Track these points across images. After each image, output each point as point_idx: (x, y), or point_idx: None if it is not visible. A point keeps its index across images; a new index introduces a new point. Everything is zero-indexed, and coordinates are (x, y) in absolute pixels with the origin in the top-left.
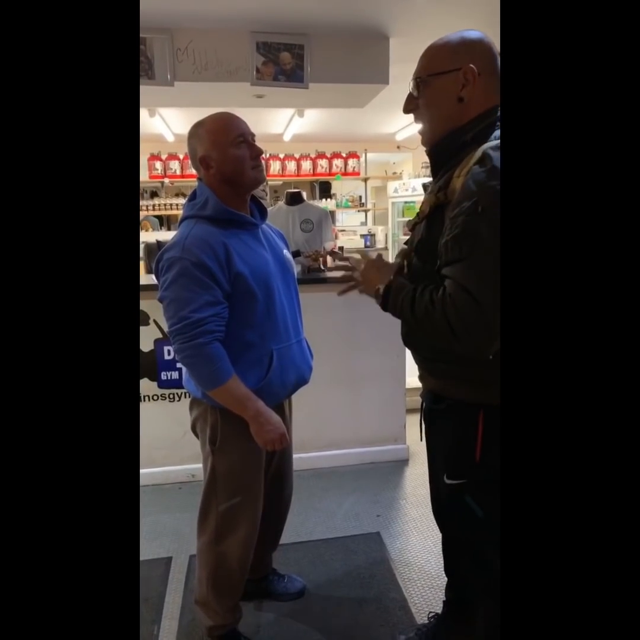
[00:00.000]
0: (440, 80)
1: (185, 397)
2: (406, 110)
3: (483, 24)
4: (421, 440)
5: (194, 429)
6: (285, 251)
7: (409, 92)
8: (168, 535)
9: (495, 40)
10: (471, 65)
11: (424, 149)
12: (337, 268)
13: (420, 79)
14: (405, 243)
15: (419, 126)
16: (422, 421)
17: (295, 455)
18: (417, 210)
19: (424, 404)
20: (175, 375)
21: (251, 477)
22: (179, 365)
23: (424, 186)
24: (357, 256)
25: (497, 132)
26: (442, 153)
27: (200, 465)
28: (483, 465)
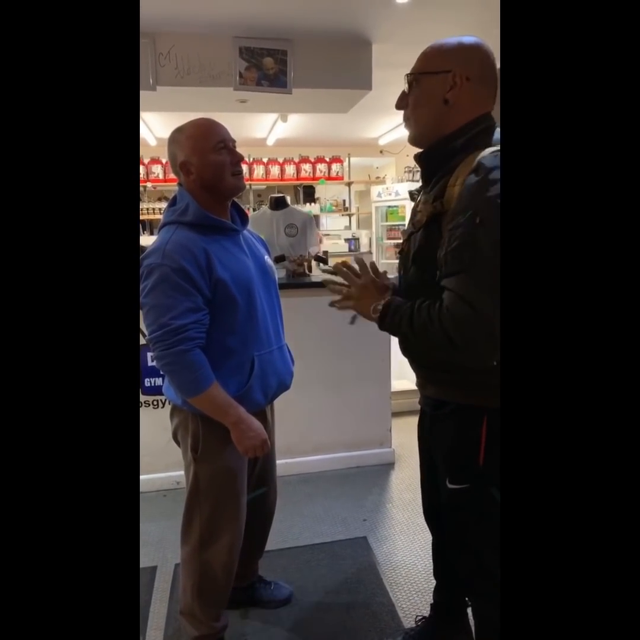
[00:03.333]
0: (430, 80)
1: (169, 403)
2: (397, 106)
3: (464, 29)
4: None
5: (175, 437)
6: (266, 257)
7: (403, 89)
8: (152, 544)
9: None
10: (460, 71)
11: (412, 155)
12: (333, 280)
13: (412, 76)
14: (399, 253)
15: (402, 131)
16: (419, 428)
17: (280, 461)
18: (400, 214)
19: (422, 412)
20: (159, 381)
21: (234, 484)
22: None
23: (411, 193)
24: (355, 265)
25: (492, 139)
26: (433, 160)
27: (183, 473)
28: (486, 469)
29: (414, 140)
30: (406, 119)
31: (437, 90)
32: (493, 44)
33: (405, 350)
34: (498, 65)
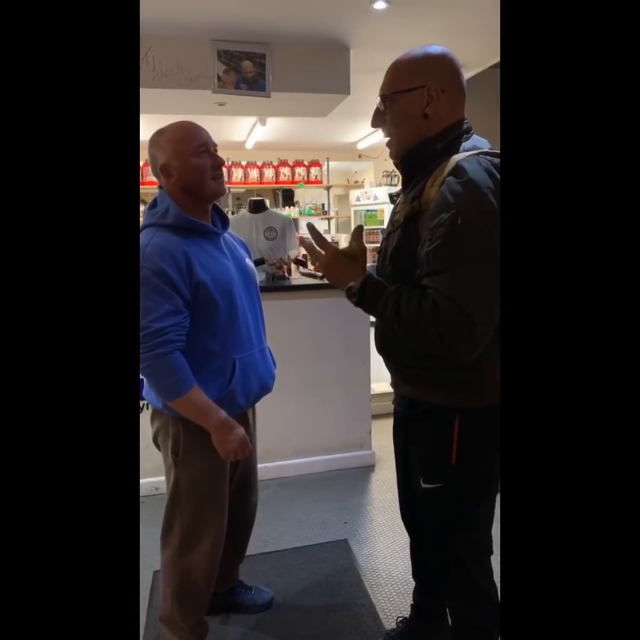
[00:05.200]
0: (405, 97)
1: (146, 408)
2: (374, 124)
3: (440, 34)
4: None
5: (155, 440)
6: (247, 260)
7: (376, 107)
8: None
9: (449, 48)
10: (435, 84)
11: (393, 160)
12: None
13: (386, 96)
14: (378, 252)
15: (380, 136)
16: (394, 429)
17: (260, 465)
18: (379, 218)
19: (396, 412)
20: None
21: (215, 487)
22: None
23: (391, 196)
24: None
25: (466, 144)
26: (413, 163)
27: (163, 478)
28: (459, 468)
29: (397, 157)
30: (388, 136)
31: (415, 107)
32: (471, 47)
33: (382, 344)
34: (476, 72)
